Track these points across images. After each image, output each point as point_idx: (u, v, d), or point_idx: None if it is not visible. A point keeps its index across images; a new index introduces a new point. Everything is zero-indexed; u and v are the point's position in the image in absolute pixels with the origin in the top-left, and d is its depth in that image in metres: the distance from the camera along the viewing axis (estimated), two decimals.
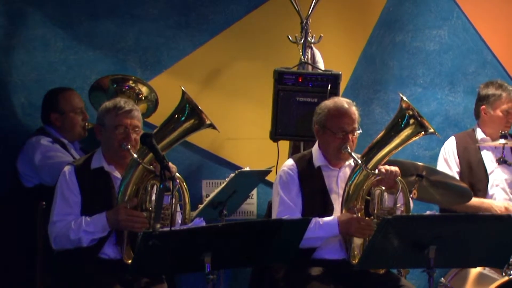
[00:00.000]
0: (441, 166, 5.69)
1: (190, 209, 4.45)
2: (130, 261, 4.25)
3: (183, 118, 4.37)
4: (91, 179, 4.41)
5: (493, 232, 3.98)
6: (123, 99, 4.51)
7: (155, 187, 4.31)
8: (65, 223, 4.30)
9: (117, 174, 4.43)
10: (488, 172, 5.64)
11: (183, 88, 4.41)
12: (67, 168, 4.42)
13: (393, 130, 4.49)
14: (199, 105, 4.39)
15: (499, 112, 5.64)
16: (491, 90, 5.65)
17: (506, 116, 5.62)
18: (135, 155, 4.28)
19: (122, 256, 4.32)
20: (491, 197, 5.61)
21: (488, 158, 5.67)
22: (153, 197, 4.32)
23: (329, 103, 4.65)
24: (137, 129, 4.41)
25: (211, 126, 4.40)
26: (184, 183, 4.39)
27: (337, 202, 4.56)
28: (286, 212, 4.49)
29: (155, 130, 4.45)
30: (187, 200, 4.42)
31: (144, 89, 4.78)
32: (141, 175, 4.32)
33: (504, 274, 4.90)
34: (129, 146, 4.33)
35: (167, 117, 4.42)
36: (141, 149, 4.31)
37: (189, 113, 4.36)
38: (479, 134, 5.72)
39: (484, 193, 5.58)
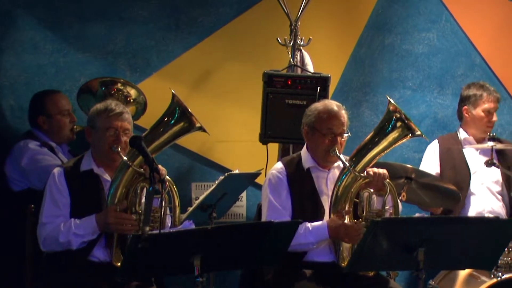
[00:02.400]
0: (423, 167, 5.73)
1: (180, 212, 4.45)
2: (119, 264, 4.25)
3: (172, 121, 4.37)
4: (80, 181, 4.40)
5: (481, 235, 3.99)
6: (114, 102, 4.51)
7: (144, 189, 4.31)
8: (54, 226, 4.29)
9: (107, 177, 4.42)
10: (472, 171, 5.67)
11: (173, 91, 4.41)
12: (56, 170, 4.41)
13: (381, 132, 4.50)
14: (189, 108, 4.39)
15: (480, 112, 5.68)
16: (472, 91, 5.70)
17: (488, 116, 5.66)
18: (125, 158, 4.28)
19: (111, 259, 4.31)
20: (474, 196, 5.63)
21: (472, 158, 5.70)
22: (143, 200, 4.31)
23: (319, 105, 4.66)
24: (127, 131, 4.41)
25: (201, 129, 4.39)
26: (174, 186, 4.39)
27: (327, 204, 4.56)
28: (275, 216, 4.48)
29: (144, 133, 4.45)
30: (177, 203, 4.41)
31: (132, 92, 4.78)
32: (131, 178, 4.31)
33: (492, 276, 4.91)
34: (119, 149, 4.33)
35: (157, 119, 4.41)
36: (131, 151, 4.31)
37: (179, 116, 4.36)
38: (462, 134, 5.77)
39: (466, 191, 5.61)
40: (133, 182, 4.32)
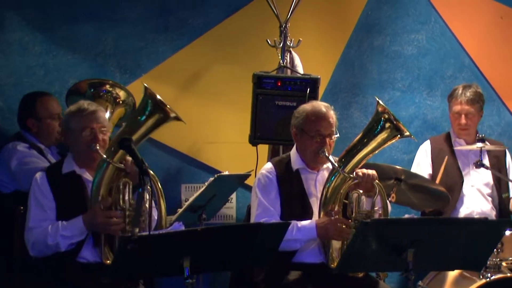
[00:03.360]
0: (414, 168, 5.74)
1: (165, 205, 4.41)
2: (108, 262, 4.25)
3: (145, 114, 4.34)
4: (63, 183, 4.39)
5: (470, 236, 4.00)
6: (87, 102, 4.49)
7: (127, 185, 4.31)
8: (41, 229, 4.28)
9: (89, 177, 4.42)
10: (463, 173, 5.68)
11: (145, 85, 4.38)
12: (38, 175, 4.40)
13: (370, 133, 4.50)
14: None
15: (452, 113, 5.68)
16: (454, 90, 5.71)
17: (457, 118, 5.65)
18: (104, 155, 4.27)
19: (101, 258, 4.30)
20: (465, 198, 5.64)
21: (463, 159, 5.71)
22: (126, 196, 4.31)
23: (307, 106, 4.66)
24: (103, 129, 4.41)
25: (176, 118, 4.37)
26: (156, 180, 4.36)
27: (316, 205, 4.56)
28: (265, 216, 4.49)
29: (120, 129, 4.42)
30: (161, 198, 4.39)
31: (121, 93, 4.77)
32: (112, 175, 4.30)
33: (481, 277, 4.93)
34: (97, 147, 4.33)
35: (131, 114, 4.38)
36: (109, 148, 4.30)
37: (152, 108, 4.34)
38: (453, 135, 5.76)
39: (458, 193, 5.61)
40: (115, 179, 4.32)
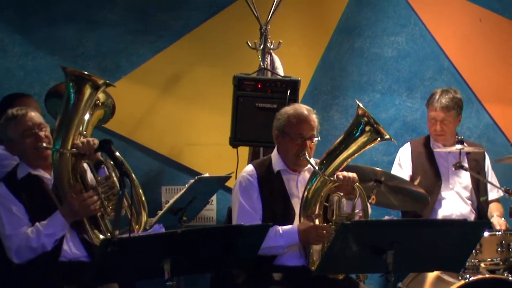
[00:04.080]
0: (395, 170, 5.75)
1: (140, 192, 4.42)
2: (99, 240, 4.29)
3: (74, 96, 4.31)
4: (23, 188, 4.38)
5: (449, 237, 4.02)
6: (13, 109, 4.49)
7: (88, 166, 4.36)
8: (21, 235, 4.26)
9: (47, 175, 4.42)
10: (442, 176, 5.70)
11: (62, 66, 4.37)
12: None
13: (350, 137, 4.51)
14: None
15: (428, 117, 5.70)
16: (432, 94, 5.69)
17: (434, 124, 5.65)
18: (53, 148, 4.28)
19: (93, 240, 4.33)
20: (444, 200, 5.67)
21: (442, 162, 5.73)
22: (91, 175, 4.35)
23: (289, 109, 4.67)
24: (41, 125, 4.41)
25: (107, 84, 4.36)
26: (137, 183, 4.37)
27: (298, 206, 4.57)
28: (246, 219, 4.48)
29: (57, 123, 4.39)
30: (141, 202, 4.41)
31: (101, 95, 4.74)
32: (70, 162, 4.30)
33: (460, 278, 4.95)
34: (44, 144, 4.34)
35: (63, 103, 4.37)
36: (56, 139, 4.31)
37: (77, 86, 4.31)
38: (433, 139, 5.77)
39: (436, 196, 5.63)
40: (75, 165, 4.32)
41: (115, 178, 4.33)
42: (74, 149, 4.28)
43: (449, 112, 5.60)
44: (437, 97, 5.62)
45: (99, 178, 4.36)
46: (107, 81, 4.40)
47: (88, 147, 4.26)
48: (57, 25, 5.80)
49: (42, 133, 4.38)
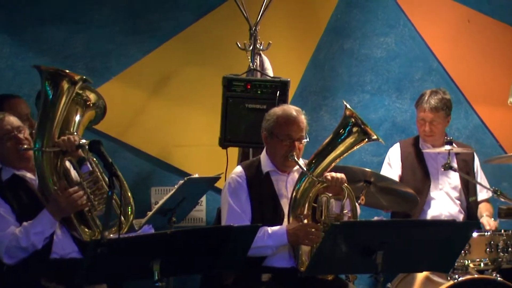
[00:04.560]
0: (384, 170, 5.76)
1: (128, 191, 4.42)
2: (87, 238, 4.31)
3: (51, 93, 4.33)
4: (8, 189, 4.38)
5: (438, 237, 4.02)
6: None
7: (70, 163, 4.37)
8: (9, 236, 4.26)
9: (31, 175, 4.43)
10: (431, 176, 5.72)
11: (36, 65, 4.38)
12: None
13: (338, 137, 4.52)
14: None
15: (417, 118, 5.71)
16: (421, 95, 5.69)
17: (422, 124, 5.66)
18: (34, 148, 4.29)
19: (81, 237, 4.34)
20: (433, 201, 5.68)
21: (432, 163, 5.75)
22: (75, 172, 4.37)
23: (278, 110, 4.67)
24: (20, 128, 4.42)
25: (83, 79, 4.36)
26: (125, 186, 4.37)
27: (287, 207, 4.57)
28: (235, 220, 4.48)
29: (36, 123, 4.41)
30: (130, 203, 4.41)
31: (92, 96, 4.74)
32: (52, 161, 4.31)
33: (449, 278, 4.97)
34: (24, 146, 4.34)
35: (41, 102, 4.38)
36: (35, 139, 4.31)
37: (53, 83, 4.33)
38: (422, 139, 5.78)
39: (425, 196, 5.65)
40: (57, 163, 4.33)
41: (98, 173, 4.35)
42: (56, 147, 4.29)
43: (438, 113, 5.62)
44: (426, 98, 5.63)
45: (83, 174, 4.37)
46: (84, 77, 4.40)
47: (69, 144, 4.28)
48: (46, 26, 5.80)
49: (21, 135, 4.39)
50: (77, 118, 4.48)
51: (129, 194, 4.35)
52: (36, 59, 5.72)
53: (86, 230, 4.38)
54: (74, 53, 5.83)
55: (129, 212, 4.37)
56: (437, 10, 6.49)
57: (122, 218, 4.35)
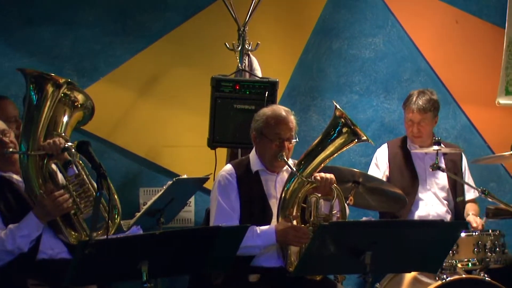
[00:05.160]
0: (372, 170, 5.78)
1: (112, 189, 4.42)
2: (74, 241, 4.31)
3: (36, 97, 4.33)
4: None
5: (427, 238, 4.03)
6: None
7: (55, 166, 4.34)
8: None
9: (18, 177, 4.42)
10: (419, 176, 5.73)
11: (20, 68, 4.38)
12: None
13: (327, 138, 4.53)
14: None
15: (405, 118, 5.72)
16: (409, 95, 5.70)
17: (410, 125, 5.67)
18: (19, 152, 4.29)
19: (68, 239, 4.33)
20: (421, 201, 5.69)
21: (419, 163, 5.76)
22: (60, 175, 4.35)
23: (267, 110, 4.68)
24: (5, 131, 4.40)
25: (68, 82, 4.37)
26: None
27: (275, 207, 4.57)
28: (224, 219, 4.49)
29: (22, 126, 4.40)
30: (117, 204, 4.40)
31: (80, 97, 4.73)
32: (37, 164, 4.30)
33: (437, 278, 4.98)
34: (10, 149, 4.33)
35: (26, 105, 4.39)
36: (20, 142, 4.31)
37: (38, 86, 4.33)
38: (410, 140, 5.79)
39: (413, 197, 5.66)
40: (43, 166, 4.31)
41: (84, 176, 4.34)
42: (41, 151, 4.28)
43: (426, 114, 5.63)
44: (414, 99, 5.63)
45: (69, 177, 4.36)
46: (69, 80, 4.40)
47: (55, 147, 4.26)
48: (34, 26, 5.78)
49: (6, 139, 4.37)
50: (65, 119, 4.46)
51: (116, 196, 4.34)
52: (24, 59, 5.71)
53: (73, 233, 4.37)
54: (62, 54, 5.82)
55: (116, 214, 4.36)
56: (425, 10, 6.50)
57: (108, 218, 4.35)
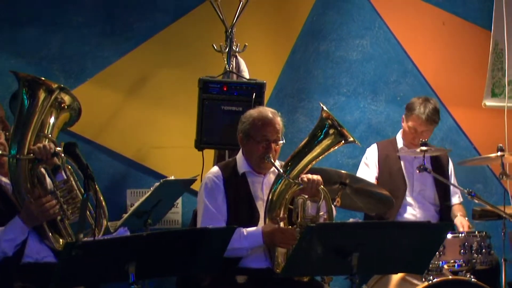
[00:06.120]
0: (361, 170, 5.79)
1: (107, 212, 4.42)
2: (60, 247, 4.29)
3: (28, 101, 4.34)
4: None
5: (413, 239, 4.04)
6: None
7: (45, 171, 4.34)
8: None
9: (6, 180, 4.41)
10: (407, 180, 5.75)
11: (14, 71, 4.39)
12: None
13: (314, 139, 4.54)
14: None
15: (407, 126, 5.71)
16: (413, 103, 5.69)
17: (413, 133, 5.67)
18: (9, 155, 4.28)
19: (53, 245, 4.32)
20: (409, 204, 5.71)
21: (408, 167, 5.77)
22: (49, 180, 4.34)
23: (253, 112, 4.68)
24: None
25: (61, 88, 4.38)
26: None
27: (262, 209, 4.58)
28: (211, 221, 4.49)
29: (12, 129, 4.39)
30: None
31: (66, 98, 4.72)
32: (27, 168, 4.29)
33: (424, 279, 5.00)
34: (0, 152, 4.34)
35: (17, 109, 4.40)
36: (10, 145, 4.31)
37: (31, 90, 4.34)
38: (400, 142, 5.81)
39: (401, 199, 5.68)
40: (32, 170, 4.30)
41: (73, 182, 4.34)
42: (31, 155, 4.27)
43: (432, 125, 5.65)
44: (421, 108, 5.60)
45: (57, 182, 4.36)
46: (62, 85, 4.41)
47: (45, 152, 4.25)
48: (21, 27, 5.76)
49: None
50: (52, 120, 4.46)
51: (102, 198, 4.34)
52: (10, 60, 5.70)
53: (58, 238, 4.35)
54: (49, 55, 5.81)
55: (102, 216, 4.36)
56: (412, 12, 6.53)
57: (95, 221, 4.34)
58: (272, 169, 4.66)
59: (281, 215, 4.49)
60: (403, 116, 5.75)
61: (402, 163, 5.78)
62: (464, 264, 5.11)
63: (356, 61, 6.48)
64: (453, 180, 5.84)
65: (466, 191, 5.42)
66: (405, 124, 5.73)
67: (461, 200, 5.73)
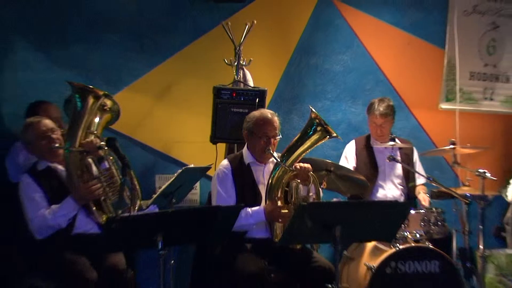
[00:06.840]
0: (342, 162, 5.78)
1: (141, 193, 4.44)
2: (104, 219, 4.34)
3: (79, 104, 4.41)
4: (43, 177, 4.43)
5: (383, 214, 4.06)
6: (30, 118, 4.60)
7: (92, 161, 4.37)
8: (40, 217, 4.30)
9: (62, 167, 4.47)
10: (379, 167, 5.74)
11: (69, 81, 4.45)
12: (24, 177, 4.44)
13: (305, 135, 4.55)
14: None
15: (370, 121, 5.72)
16: (372, 103, 5.69)
17: (374, 127, 5.66)
18: (64, 147, 4.35)
19: (98, 220, 4.38)
20: (380, 186, 5.71)
21: (380, 156, 5.77)
22: (95, 167, 4.38)
23: (256, 113, 4.69)
24: (53, 129, 4.48)
25: (106, 95, 4.43)
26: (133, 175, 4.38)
27: (263, 191, 4.60)
28: (223, 203, 4.51)
29: (68, 127, 4.46)
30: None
31: (108, 102, 4.75)
32: (78, 159, 4.35)
33: (392, 246, 5.01)
34: (56, 145, 4.40)
35: (72, 111, 4.42)
36: (65, 141, 4.37)
37: (82, 96, 4.41)
38: (372, 137, 5.80)
39: (374, 183, 5.66)
40: (82, 160, 4.36)
41: (114, 170, 4.38)
42: (81, 148, 4.30)
43: (387, 118, 5.64)
44: (376, 106, 5.63)
45: (101, 169, 4.38)
46: (106, 92, 4.46)
47: (92, 145, 4.32)
48: (71, 45, 5.76)
49: (54, 136, 4.44)
50: (97, 120, 4.50)
51: (136, 181, 4.36)
52: (63, 72, 5.69)
53: (102, 214, 4.41)
54: (93, 67, 5.80)
55: (136, 196, 4.38)
56: (383, 34, 6.51)
57: (131, 200, 4.37)
58: (271, 159, 4.68)
59: (279, 195, 4.50)
60: (366, 114, 5.75)
61: (375, 154, 5.78)
62: (423, 234, 5.12)
63: (339, 73, 6.46)
64: (418, 165, 5.84)
65: (426, 176, 5.44)
66: (369, 120, 5.73)
67: (425, 182, 5.73)
